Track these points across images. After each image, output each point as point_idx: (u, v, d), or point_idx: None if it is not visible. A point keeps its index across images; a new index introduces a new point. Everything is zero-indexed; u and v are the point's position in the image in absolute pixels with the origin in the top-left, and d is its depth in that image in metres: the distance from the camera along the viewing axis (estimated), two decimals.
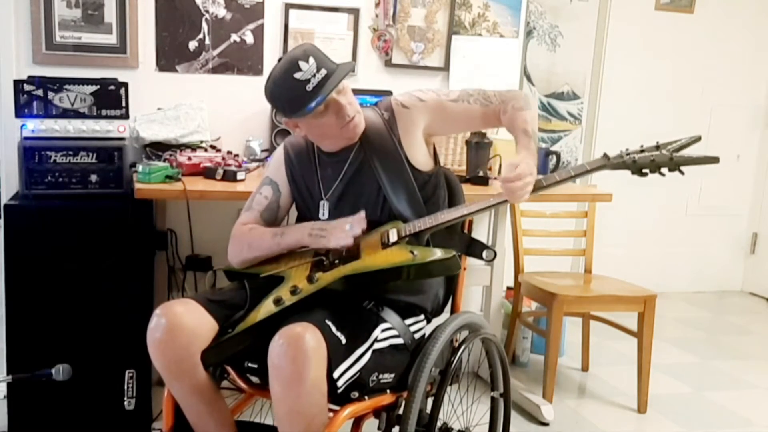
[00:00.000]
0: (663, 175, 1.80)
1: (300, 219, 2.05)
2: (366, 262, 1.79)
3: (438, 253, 1.77)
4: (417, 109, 1.95)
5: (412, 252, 1.76)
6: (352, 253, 1.82)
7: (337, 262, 1.82)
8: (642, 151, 1.82)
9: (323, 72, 1.78)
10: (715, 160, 1.78)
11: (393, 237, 1.83)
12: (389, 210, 1.90)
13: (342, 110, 1.83)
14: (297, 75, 1.76)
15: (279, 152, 2.06)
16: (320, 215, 1.96)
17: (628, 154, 1.82)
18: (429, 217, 1.85)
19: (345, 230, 1.81)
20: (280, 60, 1.84)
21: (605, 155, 1.83)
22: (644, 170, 1.81)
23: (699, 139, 1.82)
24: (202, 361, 1.74)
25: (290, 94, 1.78)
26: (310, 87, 1.76)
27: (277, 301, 1.76)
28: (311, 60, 1.78)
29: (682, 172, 1.80)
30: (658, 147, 1.82)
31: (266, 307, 1.77)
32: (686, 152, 1.80)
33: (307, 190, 2.00)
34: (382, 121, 1.95)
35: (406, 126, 1.94)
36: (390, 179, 1.90)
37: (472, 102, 1.96)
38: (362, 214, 1.85)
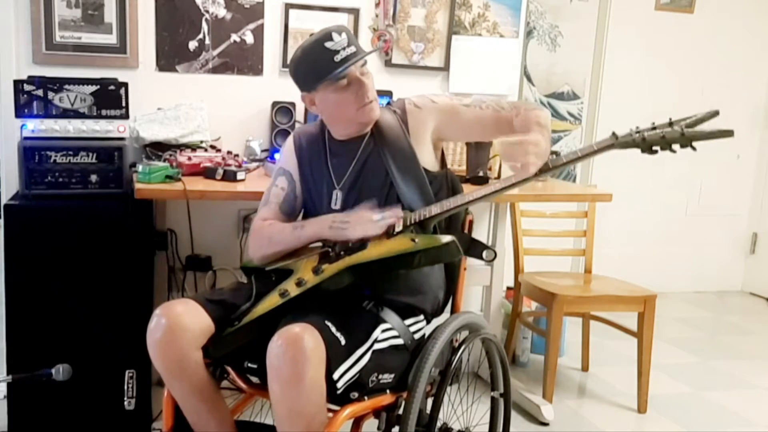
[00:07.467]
0: (674, 152, 1.72)
1: (305, 209, 2.04)
2: (370, 252, 1.80)
3: (439, 239, 1.78)
4: (428, 110, 1.98)
5: (413, 240, 1.77)
6: (358, 244, 1.83)
7: (342, 253, 1.82)
8: (654, 128, 1.74)
9: (353, 48, 1.83)
10: (729, 133, 1.67)
11: (398, 227, 1.83)
12: (395, 200, 1.90)
13: (363, 89, 1.86)
14: (328, 44, 1.82)
15: (289, 141, 2.07)
16: (332, 205, 1.95)
17: (637, 132, 1.75)
18: (434, 206, 1.85)
19: (372, 220, 1.80)
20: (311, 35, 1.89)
21: (614, 134, 1.77)
22: (654, 147, 1.73)
23: (717, 113, 1.72)
24: (206, 355, 1.75)
25: (317, 62, 1.83)
26: (338, 57, 1.81)
27: (283, 293, 1.77)
28: (344, 35, 1.84)
29: (694, 148, 1.70)
30: (671, 123, 1.74)
31: (271, 300, 1.78)
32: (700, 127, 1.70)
33: (312, 177, 1.99)
34: (395, 117, 1.97)
35: (416, 125, 1.96)
36: (400, 171, 1.90)
37: (485, 108, 1.97)
38: (398, 209, 1.84)
